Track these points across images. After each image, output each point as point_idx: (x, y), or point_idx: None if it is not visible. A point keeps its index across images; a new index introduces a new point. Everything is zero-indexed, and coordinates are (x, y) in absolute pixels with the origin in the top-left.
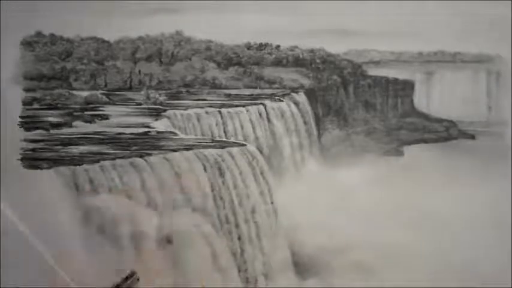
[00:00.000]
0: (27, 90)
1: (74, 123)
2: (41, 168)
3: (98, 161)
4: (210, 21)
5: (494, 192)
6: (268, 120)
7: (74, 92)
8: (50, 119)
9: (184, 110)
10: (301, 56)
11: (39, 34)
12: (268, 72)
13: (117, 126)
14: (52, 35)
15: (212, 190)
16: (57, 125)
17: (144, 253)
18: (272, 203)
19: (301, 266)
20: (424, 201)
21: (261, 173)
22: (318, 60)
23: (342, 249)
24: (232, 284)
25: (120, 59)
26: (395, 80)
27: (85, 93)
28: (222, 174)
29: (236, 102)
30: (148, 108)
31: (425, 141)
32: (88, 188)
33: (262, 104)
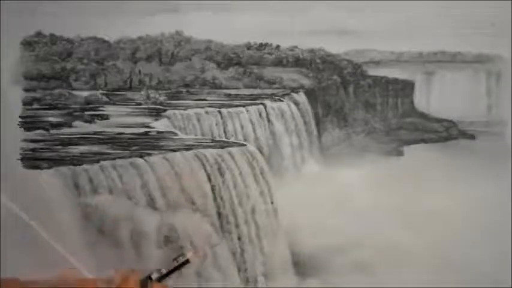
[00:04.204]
0: (27, 90)
1: (74, 123)
2: (41, 168)
3: (98, 161)
4: (210, 21)
5: (494, 191)
6: (268, 120)
7: (74, 92)
8: (50, 119)
9: (184, 110)
10: (301, 56)
11: (39, 34)
12: (268, 72)
13: (117, 126)
14: (52, 35)
15: (212, 190)
16: (57, 125)
17: (144, 253)
18: (272, 203)
19: (301, 266)
20: (424, 201)
21: (261, 173)
22: (318, 60)
23: (342, 249)
24: (232, 284)
25: (120, 59)
26: (395, 80)
27: (85, 93)
28: (222, 174)
29: (236, 102)
30: (148, 108)
31: (425, 141)
32: (88, 188)
33: (262, 104)
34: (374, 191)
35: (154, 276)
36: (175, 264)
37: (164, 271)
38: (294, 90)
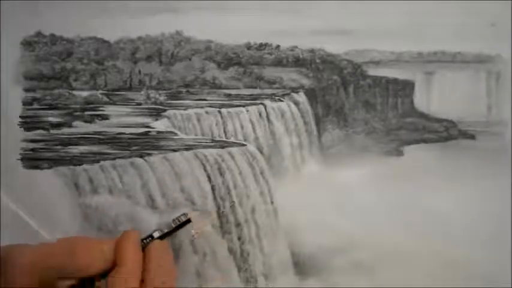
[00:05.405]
0: (27, 90)
1: (74, 123)
2: (41, 168)
3: (98, 161)
4: (210, 21)
5: (494, 192)
6: (268, 120)
7: (74, 92)
8: (50, 119)
9: (184, 110)
10: (301, 56)
11: (39, 34)
12: (268, 72)
13: (117, 126)
14: (52, 35)
15: (212, 190)
16: (57, 125)
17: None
18: (272, 203)
19: (301, 266)
20: (424, 201)
21: (261, 173)
22: (318, 60)
23: (342, 249)
24: (232, 284)
25: (120, 59)
26: (395, 80)
27: (85, 93)
28: (222, 174)
29: (236, 102)
30: (148, 108)
31: (425, 141)
32: (88, 188)
33: (262, 104)
34: (374, 190)
35: (156, 235)
36: (177, 223)
37: (165, 230)
38: (294, 90)
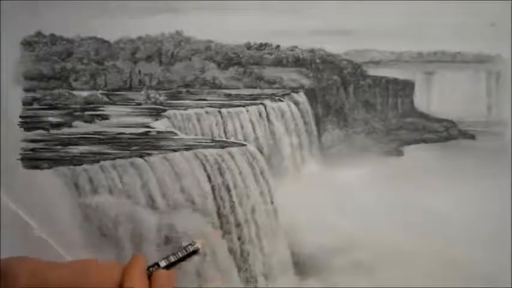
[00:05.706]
0: (27, 90)
1: (74, 123)
2: (41, 168)
3: (98, 161)
4: (210, 21)
5: (494, 192)
6: (268, 120)
7: (74, 92)
8: (50, 119)
9: (184, 110)
10: (301, 56)
11: (39, 34)
12: (268, 72)
13: (117, 126)
14: (52, 35)
15: (212, 190)
16: (57, 125)
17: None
18: (272, 203)
19: (301, 266)
20: (424, 201)
21: (261, 173)
22: (318, 60)
23: (342, 249)
24: (232, 284)
25: (120, 59)
26: (395, 80)
27: (85, 93)
28: (222, 174)
29: (236, 102)
30: (148, 108)
31: (425, 141)
32: (88, 188)
33: (262, 104)
34: (374, 190)
35: (162, 264)
36: (185, 253)
37: (172, 259)
38: (294, 90)
